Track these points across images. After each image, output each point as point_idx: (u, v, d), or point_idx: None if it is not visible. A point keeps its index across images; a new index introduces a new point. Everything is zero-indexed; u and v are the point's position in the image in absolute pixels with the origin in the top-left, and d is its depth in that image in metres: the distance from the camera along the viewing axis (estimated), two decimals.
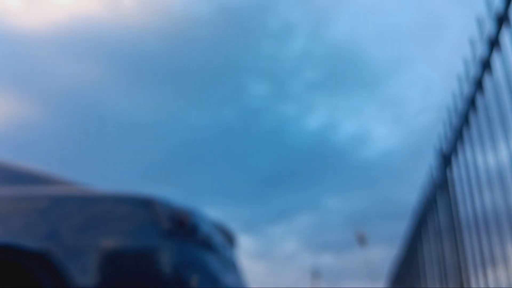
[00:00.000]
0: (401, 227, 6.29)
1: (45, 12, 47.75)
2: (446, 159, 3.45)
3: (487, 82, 2.42)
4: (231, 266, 2.07)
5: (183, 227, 1.76)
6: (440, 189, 3.63)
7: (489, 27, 2.33)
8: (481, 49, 2.46)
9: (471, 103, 2.69)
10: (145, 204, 1.78)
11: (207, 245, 1.84)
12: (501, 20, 2.18)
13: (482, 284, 2.56)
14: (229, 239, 2.41)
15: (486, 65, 2.40)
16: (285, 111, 52.17)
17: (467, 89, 2.78)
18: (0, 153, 2.18)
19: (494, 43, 2.28)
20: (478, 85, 2.54)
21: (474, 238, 2.72)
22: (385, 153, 48.50)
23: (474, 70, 2.59)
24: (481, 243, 2.54)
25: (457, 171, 3.07)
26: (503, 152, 2.18)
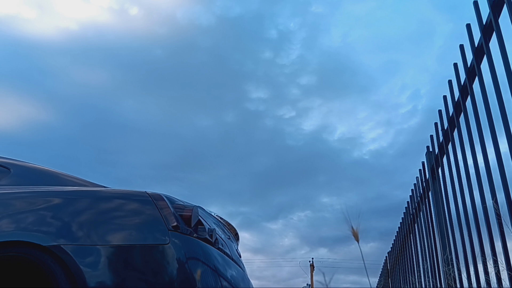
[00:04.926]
0: (393, 224, 6.43)
1: (56, 20, 48.07)
2: (435, 159, 3.57)
3: (474, 87, 2.55)
4: (234, 260, 2.18)
5: (188, 224, 1.84)
6: (430, 187, 3.75)
7: (476, 35, 2.45)
8: (468, 56, 2.59)
9: (459, 107, 2.82)
10: (153, 202, 1.83)
11: (211, 240, 1.93)
12: (487, 29, 2.30)
13: (471, 279, 2.67)
14: (231, 234, 2.52)
15: (472, 71, 2.52)
16: (282, 114, 52.96)
17: (455, 93, 2.91)
18: (13, 154, 2.28)
19: (480, 51, 2.40)
20: (465, 89, 2.67)
21: (464, 233, 2.84)
22: (377, 153, 49.20)
23: (462, 76, 2.72)
24: (470, 238, 2.66)
25: (446, 170, 3.19)
26: (489, 152, 2.30)
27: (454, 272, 2.98)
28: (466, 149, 2.70)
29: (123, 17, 49.55)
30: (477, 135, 2.40)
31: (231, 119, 54.16)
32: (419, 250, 4.45)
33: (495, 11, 2.19)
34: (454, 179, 2.98)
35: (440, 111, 3.29)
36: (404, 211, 5.45)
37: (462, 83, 2.75)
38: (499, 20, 2.17)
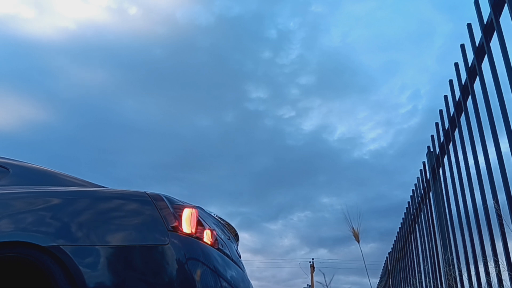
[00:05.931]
0: (393, 224, 6.42)
1: (55, 20, 48.14)
2: (436, 159, 3.56)
3: (475, 87, 2.54)
4: (234, 261, 2.17)
5: (188, 224, 1.83)
6: (431, 188, 3.74)
7: (477, 35, 2.45)
8: (469, 56, 2.58)
9: (460, 107, 2.81)
10: (152, 202, 1.82)
11: (211, 241, 1.92)
12: (488, 29, 2.29)
13: (472, 279, 2.67)
14: (231, 235, 2.51)
15: (473, 70, 2.52)
16: (282, 114, 53.06)
17: (456, 93, 2.90)
18: (13, 154, 2.27)
19: (481, 50, 2.39)
20: (466, 89, 2.66)
21: (465, 233, 2.83)
22: (377, 153, 49.28)
23: (462, 76, 2.71)
24: (471, 238, 2.65)
25: (447, 170, 3.18)
26: (490, 152, 2.29)
27: (455, 273, 2.98)
28: (467, 149, 2.70)
29: (122, 17, 49.69)
30: (478, 135, 2.40)
31: (231, 119, 54.23)
32: (420, 250, 4.44)
33: (496, 11, 2.18)
34: (455, 179, 2.97)
35: (441, 111, 3.28)
36: (405, 211, 5.45)
37: (463, 82, 2.74)
38: (500, 20, 2.17)
